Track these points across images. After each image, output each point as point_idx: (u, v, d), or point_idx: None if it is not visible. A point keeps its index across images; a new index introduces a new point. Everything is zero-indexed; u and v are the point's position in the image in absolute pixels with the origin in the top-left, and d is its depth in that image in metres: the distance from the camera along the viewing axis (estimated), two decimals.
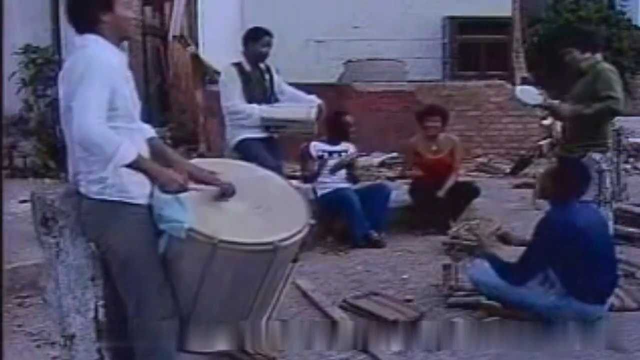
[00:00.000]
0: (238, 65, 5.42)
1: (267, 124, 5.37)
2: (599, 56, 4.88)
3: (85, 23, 2.76)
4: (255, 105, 5.33)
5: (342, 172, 6.15)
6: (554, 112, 5.18)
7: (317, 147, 6.14)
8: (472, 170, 9.90)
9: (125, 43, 3.30)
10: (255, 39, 5.42)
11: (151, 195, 2.78)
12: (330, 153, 6.13)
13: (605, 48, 5.37)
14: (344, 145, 6.23)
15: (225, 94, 5.42)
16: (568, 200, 3.95)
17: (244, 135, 5.36)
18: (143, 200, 2.76)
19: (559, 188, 4.01)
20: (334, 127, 6.18)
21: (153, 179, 2.73)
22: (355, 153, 6.30)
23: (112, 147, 2.58)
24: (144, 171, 2.71)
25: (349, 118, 6.33)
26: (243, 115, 5.33)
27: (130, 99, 2.79)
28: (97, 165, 2.65)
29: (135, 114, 2.82)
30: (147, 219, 2.77)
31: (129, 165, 2.64)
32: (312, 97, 5.54)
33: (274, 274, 2.96)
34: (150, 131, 3.00)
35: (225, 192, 2.93)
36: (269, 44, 5.45)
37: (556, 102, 5.03)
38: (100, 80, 2.62)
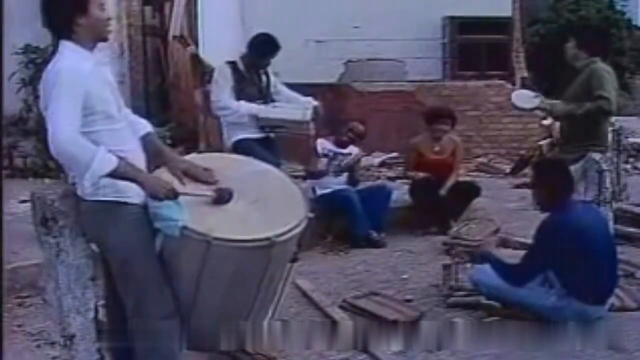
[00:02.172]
0: (232, 64, 5.40)
1: (263, 124, 5.37)
2: (596, 57, 4.87)
3: (60, 28, 2.71)
4: (243, 103, 5.30)
5: (343, 175, 6.17)
6: (551, 113, 5.17)
7: (323, 144, 6.17)
8: (472, 170, 9.89)
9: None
10: (259, 54, 5.38)
11: None
12: (335, 154, 6.18)
13: (607, 53, 5.32)
14: (349, 149, 6.28)
15: (215, 91, 5.44)
16: (561, 202, 3.94)
17: (241, 135, 5.35)
18: (138, 200, 2.75)
19: (545, 194, 4.01)
20: (345, 133, 6.26)
21: (140, 186, 2.68)
22: (359, 155, 6.31)
23: (86, 157, 2.55)
24: (129, 179, 2.65)
25: (360, 126, 6.35)
26: (230, 111, 5.32)
27: (112, 100, 2.75)
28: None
29: (117, 114, 2.77)
30: (144, 218, 2.76)
31: (110, 175, 2.59)
32: (308, 98, 5.54)
33: (272, 270, 2.93)
34: (146, 127, 2.97)
35: (221, 199, 2.86)
36: (272, 58, 5.44)
37: (551, 102, 5.02)
38: (70, 90, 2.58)
